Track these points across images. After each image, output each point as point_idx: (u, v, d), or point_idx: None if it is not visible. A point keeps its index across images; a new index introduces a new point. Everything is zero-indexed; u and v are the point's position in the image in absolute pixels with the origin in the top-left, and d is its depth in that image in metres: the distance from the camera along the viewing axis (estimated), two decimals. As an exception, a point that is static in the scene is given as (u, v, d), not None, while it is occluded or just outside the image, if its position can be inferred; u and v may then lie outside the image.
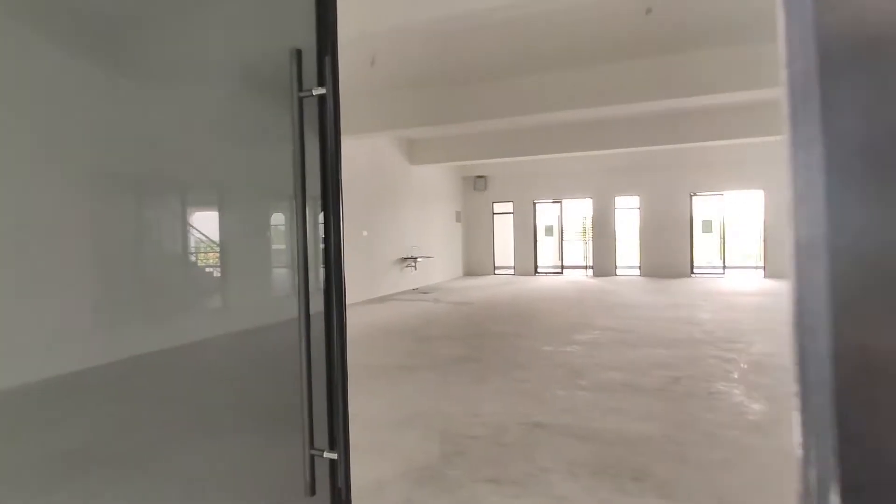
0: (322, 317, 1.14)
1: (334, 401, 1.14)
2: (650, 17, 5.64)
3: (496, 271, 16.24)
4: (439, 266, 14.17)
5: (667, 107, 9.57)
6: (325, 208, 1.16)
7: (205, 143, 1.40)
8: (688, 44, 6.72)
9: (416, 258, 12.83)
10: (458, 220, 15.70)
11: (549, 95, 7.73)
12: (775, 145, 12.56)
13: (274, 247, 1.40)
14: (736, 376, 4.45)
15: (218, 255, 1.48)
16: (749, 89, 6.74)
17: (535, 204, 15.81)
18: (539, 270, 16.09)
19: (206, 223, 1.45)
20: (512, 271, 16.11)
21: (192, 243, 1.45)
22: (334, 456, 1.10)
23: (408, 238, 12.84)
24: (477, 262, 16.26)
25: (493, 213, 16.22)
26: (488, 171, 15.83)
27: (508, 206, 16.11)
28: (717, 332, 6.32)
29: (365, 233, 10.50)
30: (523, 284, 13.04)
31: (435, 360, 5.25)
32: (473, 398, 4.01)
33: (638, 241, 14.78)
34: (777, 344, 5.63)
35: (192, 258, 1.51)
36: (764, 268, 13.65)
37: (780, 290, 10.52)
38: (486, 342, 6.09)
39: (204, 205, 1.52)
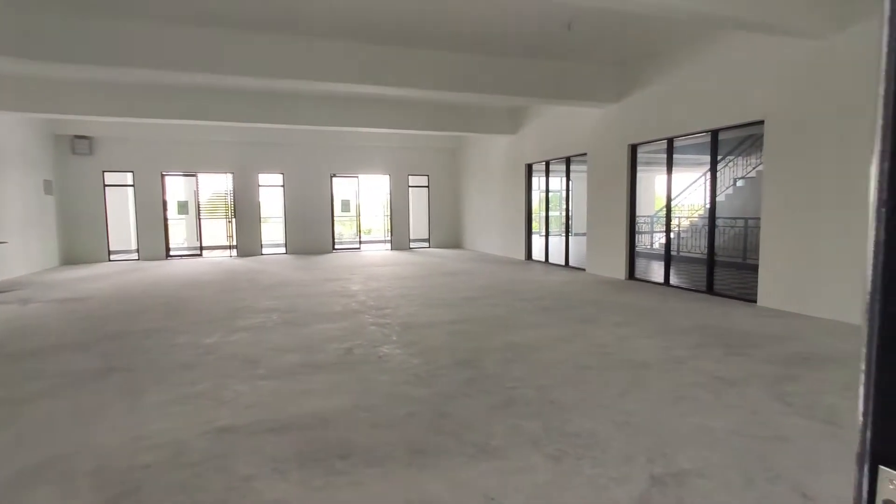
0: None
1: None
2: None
3: (112, 257, 13.25)
4: (19, 254, 10.45)
5: (297, 88, 9.85)
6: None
7: None
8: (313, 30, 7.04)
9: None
10: (47, 191, 11.89)
11: (169, 51, 6.66)
12: (398, 137, 14.81)
13: None
14: (395, 339, 5.08)
15: None
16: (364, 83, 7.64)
17: (163, 176, 13.60)
18: (172, 254, 14.07)
19: None
20: (136, 255, 13.50)
21: None
22: None
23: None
24: (82, 247, 12.83)
25: (105, 186, 13.06)
26: (95, 131, 12.56)
27: (127, 178, 13.31)
28: (369, 302, 7.05)
29: None
30: (155, 270, 11.11)
31: (55, 382, 3.85)
32: (132, 419, 3.16)
33: (283, 220, 14.82)
34: (416, 305, 6.75)
35: None
36: (390, 241, 16.04)
37: (405, 260, 12.64)
38: (128, 344, 4.88)
39: None
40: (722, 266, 8.92)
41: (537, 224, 12.78)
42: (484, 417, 3.16)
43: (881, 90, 0.51)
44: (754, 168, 12.62)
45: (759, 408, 3.28)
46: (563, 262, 11.12)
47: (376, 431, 2.97)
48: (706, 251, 8.12)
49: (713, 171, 7.56)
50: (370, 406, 3.34)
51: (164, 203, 13.66)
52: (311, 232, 14.93)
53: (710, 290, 7.50)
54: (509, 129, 12.68)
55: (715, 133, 7.31)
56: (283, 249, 14.90)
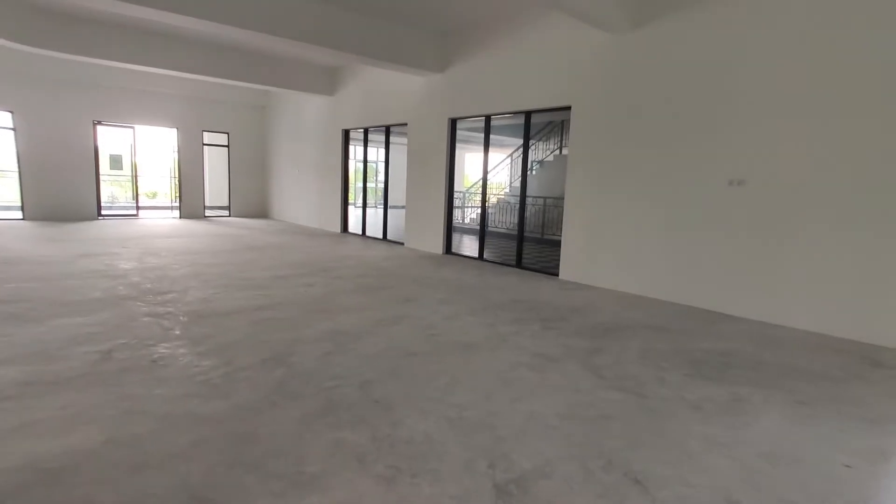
0: None
1: None
2: None
3: None
4: None
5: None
6: None
7: None
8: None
9: None
10: None
11: None
12: (190, 84, 12.43)
13: None
14: (178, 333, 4.00)
15: None
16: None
17: None
18: None
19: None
20: None
21: None
22: None
23: None
24: None
25: None
26: None
27: None
28: (146, 284, 5.60)
29: None
30: None
31: None
32: None
33: (18, 176, 11.28)
34: (211, 287, 5.57)
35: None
36: (179, 208, 13.59)
37: (199, 231, 10.75)
38: None
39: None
40: (526, 241, 9.60)
41: (353, 195, 12.13)
42: (297, 433, 2.52)
43: None
44: (552, 152, 13.97)
45: (580, 384, 3.32)
46: (381, 236, 10.75)
47: (139, 479, 2.09)
48: (515, 227, 8.59)
49: (525, 150, 7.90)
50: (133, 438, 2.40)
51: None
52: (65, 193, 11.70)
53: (519, 264, 7.93)
54: (326, 90, 11.62)
55: (528, 114, 7.61)
56: (18, 214, 11.38)
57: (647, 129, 6.00)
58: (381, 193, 12.60)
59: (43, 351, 3.46)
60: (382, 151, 11.67)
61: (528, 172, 8.60)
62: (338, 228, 11.78)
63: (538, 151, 14.12)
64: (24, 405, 2.68)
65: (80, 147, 11.76)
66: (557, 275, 7.21)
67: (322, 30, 7.28)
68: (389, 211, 10.81)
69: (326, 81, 11.60)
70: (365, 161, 11.44)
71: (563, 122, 13.55)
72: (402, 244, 9.99)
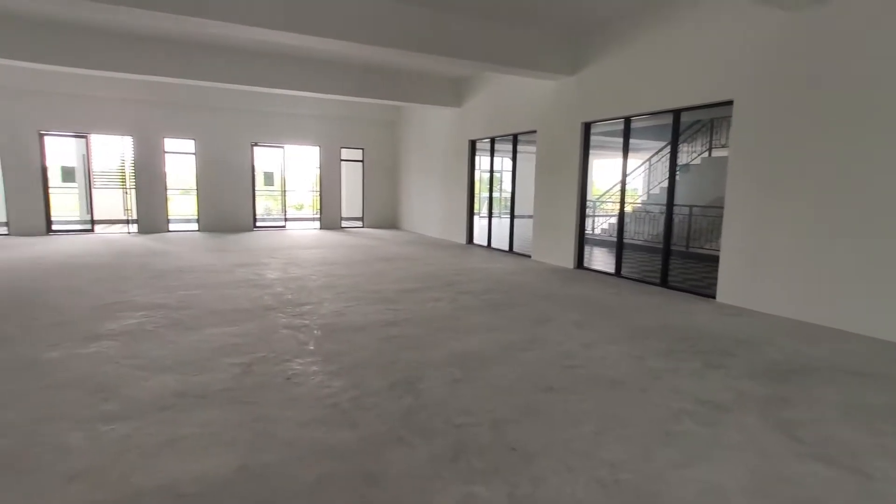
0: None
1: None
2: None
3: (-26, 231, 11.01)
4: None
5: (205, 36, 8.29)
6: None
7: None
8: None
9: None
10: None
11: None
12: (330, 104, 13.38)
13: None
14: (312, 348, 4.05)
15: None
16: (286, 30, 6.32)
17: (42, 135, 11.40)
18: (55, 228, 11.98)
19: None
20: (4, 230, 11.32)
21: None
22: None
23: None
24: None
25: (-37, 143, 10.73)
26: (-54, 76, 10.17)
27: (-7, 135, 10.99)
28: (287, 295, 5.91)
29: None
30: (24, 249, 9.21)
31: None
32: None
33: (196, 192, 13.03)
34: (344, 300, 5.70)
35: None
36: (319, 219, 14.67)
37: (335, 242, 11.43)
38: (-83, 366, 3.49)
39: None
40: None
41: (478, 205, 11.98)
42: (425, 480, 2.25)
43: None
44: (699, 154, 12.48)
45: (767, 448, 2.61)
46: (506, 248, 10.41)
47: (264, 519, 1.97)
48: (654, 239, 7.67)
49: (673, 152, 7.01)
50: (262, 469, 2.32)
51: (45, 168, 11.46)
52: (229, 207, 13.26)
53: (664, 282, 7.02)
54: (453, 102, 11.67)
55: (677, 113, 6.72)
56: (195, 226, 13.14)
57: (832, 120, 4.86)
58: (505, 203, 12.30)
59: (196, 361, 3.69)
60: (506, 161, 11.37)
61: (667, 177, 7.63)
62: (463, 239, 11.71)
63: (681, 154, 12.71)
64: (175, 418, 2.79)
65: (241, 166, 13.27)
66: (713, 296, 6.21)
67: (449, 41, 7.20)
68: (515, 221, 10.43)
69: (453, 93, 11.64)
70: (491, 171, 11.23)
71: (712, 120, 12.02)
72: (529, 257, 9.54)
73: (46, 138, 11.43)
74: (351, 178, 15.33)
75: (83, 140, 12.08)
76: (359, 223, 15.26)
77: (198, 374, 3.42)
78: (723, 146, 11.93)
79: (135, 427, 2.66)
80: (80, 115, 11.50)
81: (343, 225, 14.89)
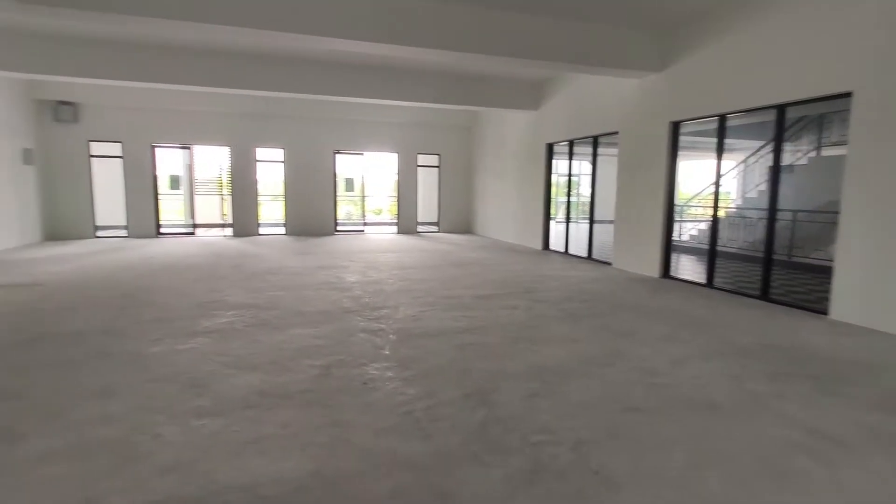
0: None
1: None
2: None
3: (98, 233, 12.41)
4: (-8, 228, 9.62)
5: (298, 52, 8.71)
6: None
7: None
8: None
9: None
10: (27, 161, 10.99)
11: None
12: (407, 112, 13.65)
13: None
14: (388, 353, 4.07)
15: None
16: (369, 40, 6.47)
17: (154, 147, 12.63)
18: (163, 231, 13.20)
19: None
20: (124, 232, 12.63)
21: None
22: None
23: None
24: (67, 222, 12.01)
25: (91, 156, 12.14)
26: (80, 96, 11.58)
27: (115, 148, 12.35)
28: (365, 298, 6.05)
29: None
30: (138, 250, 10.22)
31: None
32: (-16, 487, 2.20)
33: (284, 198, 13.82)
34: (419, 305, 5.73)
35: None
36: (397, 224, 15.00)
37: (412, 246, 11.61)
38: (42, 354, 3.93)
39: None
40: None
41: (554, 210, 11.63)
42: (499, 503, 2.15)
43: None
44: (805, 154, 11.32)
45: (904, 498, 2.23)
46: (585, 254, 10.01)
47: (339, 528, 1.97)
48: (750, 247, 6.99)
49: (777, 151, 6.36)
50: (336, 475, 2.33)
51: (155, 177, 12.71)
52: (313, 212, 13.93)
53: (764, 295, 6.37)
54: (530, 105, 11.45)
55: (782, 108, 6.09)
56: (282, 230, 13.94)
57: None
58: (583, 208, 11.85)
59: (279, 360, 3.84)
60: (584, 164, 10.94)
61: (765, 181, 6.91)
62: (539, 245, 11.43)
63: (784, 153, 11.56)
64: (259, 417, 2.90)
65: (324, 173, 13.90)
66: (825, 312, 5.53)
67: (533, 42, 7.04)
68: (595, 227, 10.00)
69: (531, 96, 11.43)
70: (569, 174, 10.87)
71: (821, 116, 10.83)
72: (610, 264, 9.10)
73: (157, 150, 12.66)
74: (427, 183, 15.54)
75: (188, 150, 13.25)
76: (434, 228, 15.42)
77: (280, 375, 3.55)
78: (834, 144, 10.69)
79: (223, 424, 2.80)
80: (185, 128, 12.63)
81: (419, 230, 15.11)
